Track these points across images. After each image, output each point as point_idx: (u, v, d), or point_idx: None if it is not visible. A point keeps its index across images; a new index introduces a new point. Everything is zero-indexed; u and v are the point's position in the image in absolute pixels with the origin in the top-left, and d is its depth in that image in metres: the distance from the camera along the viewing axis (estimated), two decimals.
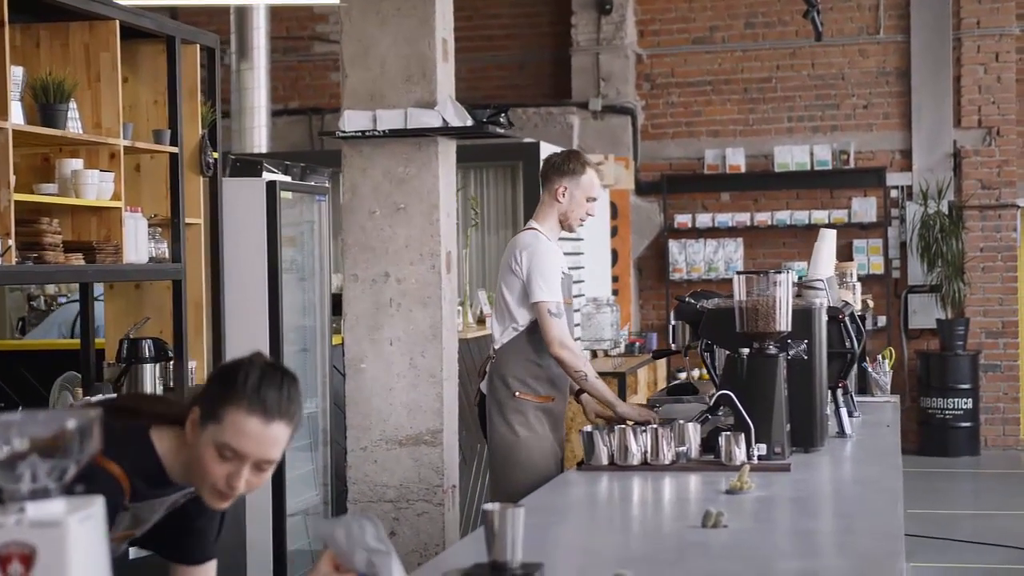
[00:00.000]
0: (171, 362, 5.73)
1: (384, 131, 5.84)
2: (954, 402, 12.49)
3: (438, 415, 5.87)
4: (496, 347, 5.42)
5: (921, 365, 12.71)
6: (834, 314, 5.08)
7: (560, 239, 5.54)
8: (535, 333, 5.33)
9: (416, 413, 5.88)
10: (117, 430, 2.69)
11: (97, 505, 1.80)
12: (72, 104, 5.14)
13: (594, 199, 5.49)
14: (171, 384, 5.75)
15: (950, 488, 11.33)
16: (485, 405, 5.52)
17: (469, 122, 5.90)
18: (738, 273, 4.53)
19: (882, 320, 12.83)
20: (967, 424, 12.52)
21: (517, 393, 5.33)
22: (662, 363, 11.66)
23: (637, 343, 11.39)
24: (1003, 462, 12.38)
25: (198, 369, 6.01)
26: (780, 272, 4.49)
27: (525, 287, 5.29)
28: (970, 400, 12.51)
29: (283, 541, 6.50)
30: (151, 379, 5.56)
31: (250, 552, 6.27)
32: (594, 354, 10.82)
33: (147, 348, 5.56)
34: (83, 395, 5.45)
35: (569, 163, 5.46)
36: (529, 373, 5.34)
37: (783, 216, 13.01)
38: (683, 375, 12.54)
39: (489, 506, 2.74)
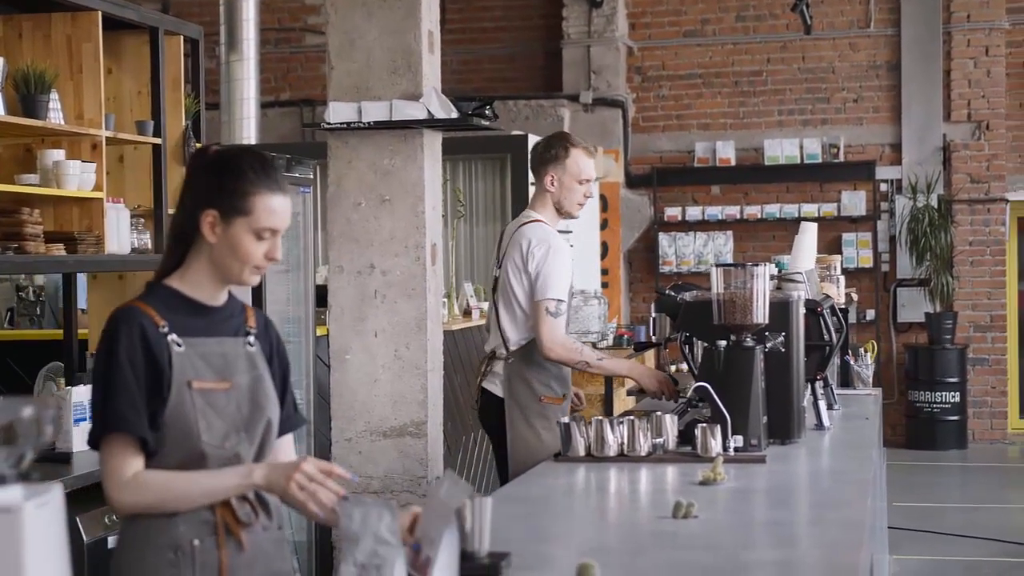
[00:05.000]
0: None
1: (369, 123, 5.85)
2: (942, 396, 12.52)
3: (423, 407, 5.89)
4: (511, 347, 5.26)
5: (909, 359, 12.74)
6: (813, 307, 5.09)
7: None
8: None
9: (401, 405, 5.90)
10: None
11: (55, 492, 1.82)
12: (54, 95, 5.14)
13: (587, 180, 5.31)
14: None
15: (937, 481, 11.37)
16: (486, 405, 5.36)
17: (454, 114, 5.90)
18: (716, 265, 4.54)
19: (871, 313, 12.86)
20: (955, 418, 12.56)
21: (543, 398, 5.22)
22: (651, 355, 11.68)
23: (626, 336, 11.40)
24: (990, 455, 12.42)
25: None
26: (758, 265, 4.50)
27: (533, 284, 5.17)
28: (958, 394, 12.54)
29: None
30: None
31: None
32: None
33: None
34: (65, 385, 5.45)
35: (551, 149, 5.32)
36: (551, 375, 5.24)
37: (773, 209, 13.03)
38: (673, 367, 12.57)
39: None
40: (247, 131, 11.15)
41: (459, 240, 9.96)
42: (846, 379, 6.63)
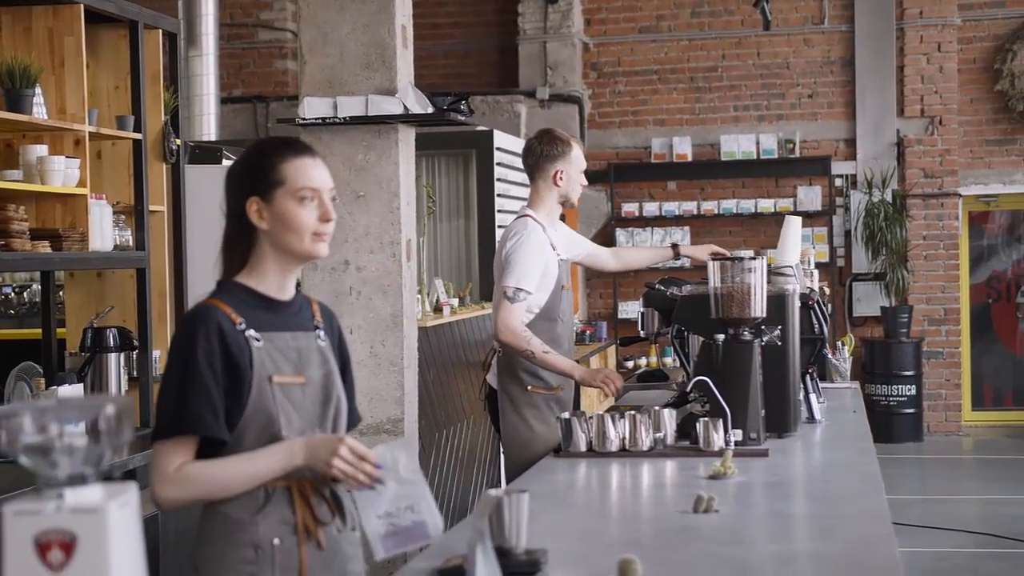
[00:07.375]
0: (135, 351, 5.65)
1: (345, 118, 5.81)
2: (898, 389, 12.63)
3: (399, 404, 5.86)
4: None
5: (865, 352, 12.84)
6: (805, 300, 5.10)
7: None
8: (539, 324, 5.22)
9: (377, 402, 5.87)
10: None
11: (132, 491, 1.78)
12: (38, 89, 5.05)
13: (583, 169, 5.51)
14: (135, 373, 5.68)
15: (895, 474, 11.43)
16: (494, 399, 5.37)
17: (430, 109, 5.88)
18: (713, 259, 4.53)
19: (827, 308, 12.92)
20: (911, 410, 12.67)
21: (529, 387, 5.24)
22: (612, 351, 11.70)
23: (587, 332, 11.43)
24: (946, 448, 12.54)
25: (162, 358, 5.94)
26: (755, 258, 4.50)
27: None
28: (913, 387, 12.66)
29: None
30: (115, 368, 5.49)
31: None
32: None
33: (111, 337, 5.49)
34: (45, 386, 5.37)
35: (556, 146, 5.40)
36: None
37: (729, 205, 13.07)
38: (630, 363, 12.60)
39: (494, 492, 2.73)
40: (207, 127, 11.06)
41: (426, 236, 9.91)
42: (822, 372, 6.66)
